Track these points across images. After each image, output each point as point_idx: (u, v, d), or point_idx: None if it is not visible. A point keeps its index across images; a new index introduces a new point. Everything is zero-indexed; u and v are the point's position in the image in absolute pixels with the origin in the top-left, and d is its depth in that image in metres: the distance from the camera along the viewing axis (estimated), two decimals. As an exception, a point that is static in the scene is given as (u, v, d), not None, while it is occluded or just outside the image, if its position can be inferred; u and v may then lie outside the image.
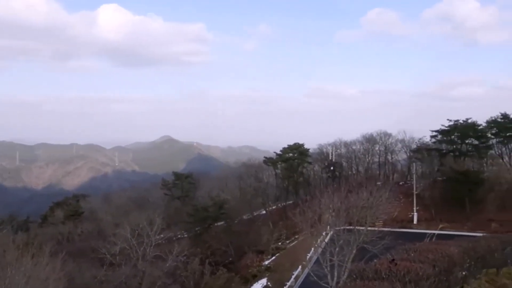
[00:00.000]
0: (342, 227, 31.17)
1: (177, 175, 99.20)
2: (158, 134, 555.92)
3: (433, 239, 26.61)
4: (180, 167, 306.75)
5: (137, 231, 51.43)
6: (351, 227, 30.18)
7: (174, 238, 68.64)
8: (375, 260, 9.91)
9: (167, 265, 49.07)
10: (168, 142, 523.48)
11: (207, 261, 54.10)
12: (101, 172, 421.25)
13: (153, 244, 51.00)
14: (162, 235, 56.37)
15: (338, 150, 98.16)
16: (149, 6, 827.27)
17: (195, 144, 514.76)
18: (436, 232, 52.81)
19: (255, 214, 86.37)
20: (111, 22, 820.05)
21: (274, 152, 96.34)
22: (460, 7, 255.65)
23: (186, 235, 74.95)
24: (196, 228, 75.81)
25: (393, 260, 9.06)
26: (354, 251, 27.63)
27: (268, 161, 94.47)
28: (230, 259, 63.61)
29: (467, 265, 13.62)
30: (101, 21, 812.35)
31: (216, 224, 76.29)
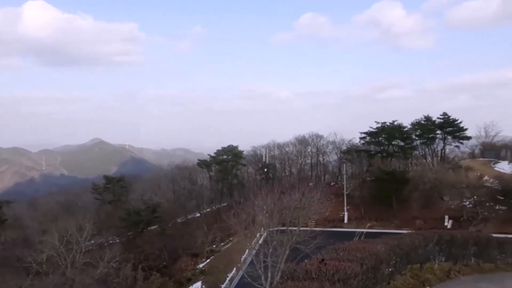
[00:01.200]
0: (275, 228, 31.56)
1: (108, 179, 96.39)
2: (88, 137, 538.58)
3: (362, 238, 27.50)
4: (112, 170, 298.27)
5: (65, 238, 49.42)
6: (284, 228, 30.61)
7: (106, 244, 66.67)
8: (305, 260, 10.13)
9: (98, 272, 47.47)
10: (99, 145, 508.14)
11: (140, 266, 52.94)
12: (26, 176, 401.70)
13: (83, 250, 49.23)
14: (92, 241, 54.59)
15: (272, 152, 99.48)
16: (78, 4, 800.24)
17: (127, 146, 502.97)
18: (365, 230, 54.73)
19: (189, 217, 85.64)
20: (38, 19, 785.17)
21: (208, 155, 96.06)
22: (387, 14, 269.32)
23: (118, 240, 72.99)
24: (129, 233, 74.04)
25: (322, 260, 9.29)
26: (287, 252, 28.05)
27: (202, 163, 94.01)
28: (164, 263, 62.63)
29: (393, 262, 14.22)
30: (27, 18, 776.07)
31: (149, 228, 74.90)
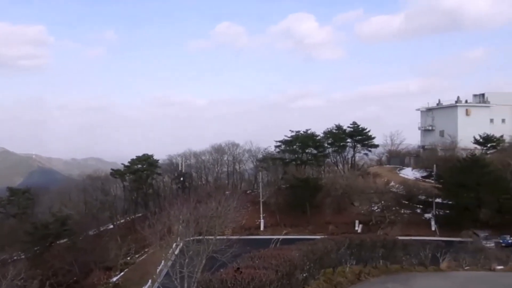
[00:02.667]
0: (191, 238, 31.22)
1: (13, 191, 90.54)
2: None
3: (278, 244, 27.99)
4: (17, 181, 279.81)
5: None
6: (201, 237, 30.37)
7: (9, 261, 62.39)
8: (221, 270, 10.11)
9: (1, 291, 44.18)
10: (2, 155, 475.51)
11: (47, 282, 50.12)
12: None
13: (-17, 268, 45.65)
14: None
15: (188, 161, 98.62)
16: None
17: (34, 156, 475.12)
18: (281, 237, 55.86)
19: (102, 228, 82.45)
20: None
21: (122, 164, 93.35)
22: (301, 25, 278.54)
23: (23, 256, 68.64)
24: (36, 248, 69.84)
25: (238, 268, 9.31)
26: (203, 261, 27.80)
27: (116, 173, 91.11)
28: (75, 278, 59.78)
29: (307, 267, 14.57)
30: None
31: (58, 242, 71.21)
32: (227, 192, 55.06)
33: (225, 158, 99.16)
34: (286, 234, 71.41)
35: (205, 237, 29.76)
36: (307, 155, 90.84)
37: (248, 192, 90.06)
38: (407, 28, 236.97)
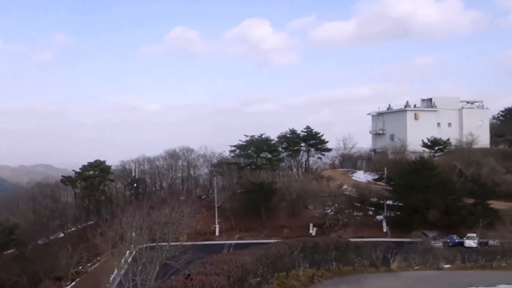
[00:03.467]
0: (145, 245, 30.73)
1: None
2: None
3: (231, 250, 27.93)
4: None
5: None
6: (154, 244, 29.95)
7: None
8: (172, 277, 9.99)
9: None
10: None
11: (-7, 295, 48.03)
12: None
13: None
14: None
15: (142, 166, 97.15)
16: None
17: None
18: (233, 242, 55.72)
19: (52, 237, 79.78)
20: None
21: (73, 170, 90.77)
22: (255, 31, 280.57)
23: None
24: (-21, 259, 66.82)
25: (188, 275, 9.22)
26: (157, 268, 27.44)
27: (66, 180, 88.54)
28: (23, 289, 57.59)
29: (260, 271, 14.60)
30: None
31: (5, 252, 68.40)
32: (181, 198, 54.58)
33: (180, 164, 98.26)
34: (238, 238, 71.32)
35: (159, 243, 29.37)
36: (261, 159, 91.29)
37: (203, 197, 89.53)
38: (359, 34, 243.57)
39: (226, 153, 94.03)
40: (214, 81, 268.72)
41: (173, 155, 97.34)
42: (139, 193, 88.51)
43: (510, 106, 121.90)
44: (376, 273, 27.32)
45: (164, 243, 29.93)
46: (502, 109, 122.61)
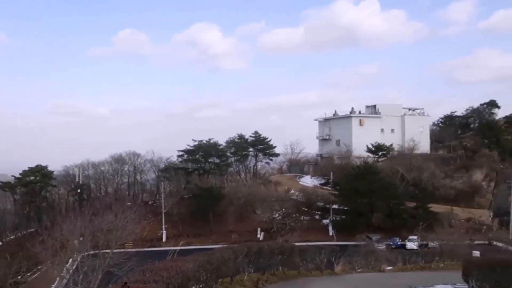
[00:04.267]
0: (87, 253, 29.88)
1: None
2: None
3: (175, 256, 27.60)
4: None
5: None
6: (97, 252, 29.16)
7: None
8: (109, 286, 9.78)
9: None
10: None
11: None
12: None
13: None
14: None
15: (86, 172, 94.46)
16: None
17: None
18: (178, 248, 54.60)
19: (-12, 246, 76.13)
20: None
21: (13, 176, 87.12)
22: (204, 35, 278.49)
23: None
24: None
25: (125, 283, 9.06)
26: (99, 277, 26.72)
27: (5, 185, 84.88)
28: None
29: (203, 278, 14.51)
30: None
31: None
32: (128, 203, 53.46)
33: (126, 169, 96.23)
34: (186, 244, 70.43)
35: (102, 251, 28.61)
36: (210, 164, 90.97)
37: (150, 203, 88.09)
38: (308, 41, 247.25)
39: (174, 158, 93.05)
40: (164, 85, 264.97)
41: (119, 160, 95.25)
42: (83, 199, 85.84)
43: (449, 113, 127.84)
44: (320, 276, 27.74)
45: (107, 250, 29.19)
46: (442, 116, 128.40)
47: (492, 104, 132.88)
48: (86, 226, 29.05)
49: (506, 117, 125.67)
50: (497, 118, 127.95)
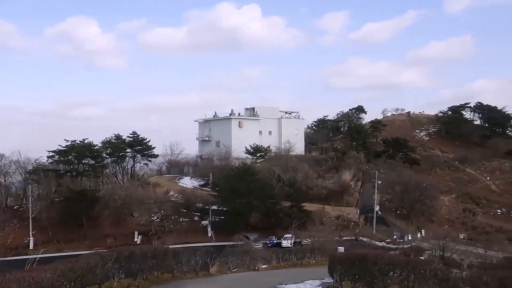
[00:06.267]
0: None
1: None
2: None
3: (35, 264, 25.68)
4: None
5: None
6: None
7: None
8: None
9: None
10: None
11: None
12: None
13: None
14: None
15: None
16: None
17: None
18: (38, 256, 51.02)
19: None
20: None
21: None
22: (81, 30, 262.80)
23: None
24: None
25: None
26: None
27: None
28: None
29: (64, 287, 13.65)
30: None
31: None
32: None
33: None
34: (46, 252, 65.87)
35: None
36: (84, 166, 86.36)
37: (15, 207, 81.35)
38: (190, 42, 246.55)
39: (44, 159, 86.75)
40: (34, 81, 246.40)
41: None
42: None
43: (321, 117, 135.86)
44: (195, 279, 27.63)
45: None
46: (315, 119, 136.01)
47: (360, 109, 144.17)
48: None
49: (372, 121, 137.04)
50: (364, 122, 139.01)
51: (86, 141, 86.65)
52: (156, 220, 75.85)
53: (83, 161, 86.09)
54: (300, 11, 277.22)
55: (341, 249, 41.41)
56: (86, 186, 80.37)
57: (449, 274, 14.06)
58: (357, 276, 18.63)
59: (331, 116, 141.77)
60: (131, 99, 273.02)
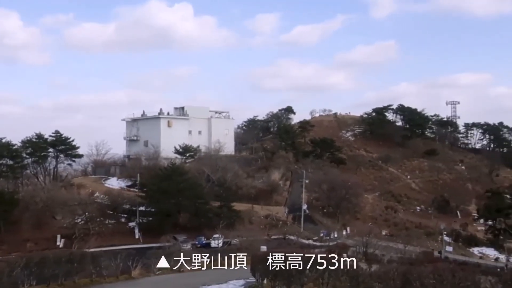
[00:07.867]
0: None
1: None
2: None
3: None
4: None
5: None
6: None
7: None
8: None
9: None
10: None
11: None
12: None
13: None
14: None
15: None
16: None
17: None
18: None
19: None
20: None
21: None
22: (0, 22, 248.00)
23: None
24: None
25: None
26: None
27: None
28: None
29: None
30: None
31: None
32: None
33: None
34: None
35: None
36: (1, 166, 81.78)
37: None
38: (118, 40, 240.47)
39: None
40: None
41: None
42: None
43: (251, 118, 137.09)
44: (115, 282, 26.95)
45: None
46: (245, 120, 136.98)
47: (289, 110, 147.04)
48: None
49: (300, 122, 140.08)
50: (293, 123, 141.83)
51: (3, 140, 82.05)
52: (80, 223, 72.94)
53: (0, 162, 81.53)
54: (232, 11, 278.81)
55: (263, 248, 41.80)
56: (3, 188, 75.99)
57: (359, 271, 14.53)
58: (275, 275, 18.89)
59: (261, 116, 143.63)
60: (55, 97, 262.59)
